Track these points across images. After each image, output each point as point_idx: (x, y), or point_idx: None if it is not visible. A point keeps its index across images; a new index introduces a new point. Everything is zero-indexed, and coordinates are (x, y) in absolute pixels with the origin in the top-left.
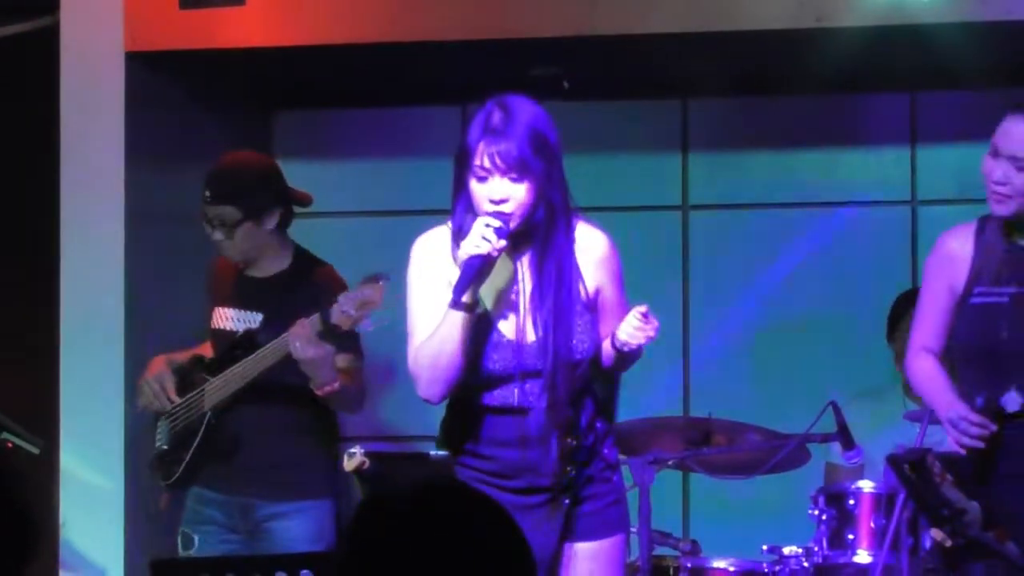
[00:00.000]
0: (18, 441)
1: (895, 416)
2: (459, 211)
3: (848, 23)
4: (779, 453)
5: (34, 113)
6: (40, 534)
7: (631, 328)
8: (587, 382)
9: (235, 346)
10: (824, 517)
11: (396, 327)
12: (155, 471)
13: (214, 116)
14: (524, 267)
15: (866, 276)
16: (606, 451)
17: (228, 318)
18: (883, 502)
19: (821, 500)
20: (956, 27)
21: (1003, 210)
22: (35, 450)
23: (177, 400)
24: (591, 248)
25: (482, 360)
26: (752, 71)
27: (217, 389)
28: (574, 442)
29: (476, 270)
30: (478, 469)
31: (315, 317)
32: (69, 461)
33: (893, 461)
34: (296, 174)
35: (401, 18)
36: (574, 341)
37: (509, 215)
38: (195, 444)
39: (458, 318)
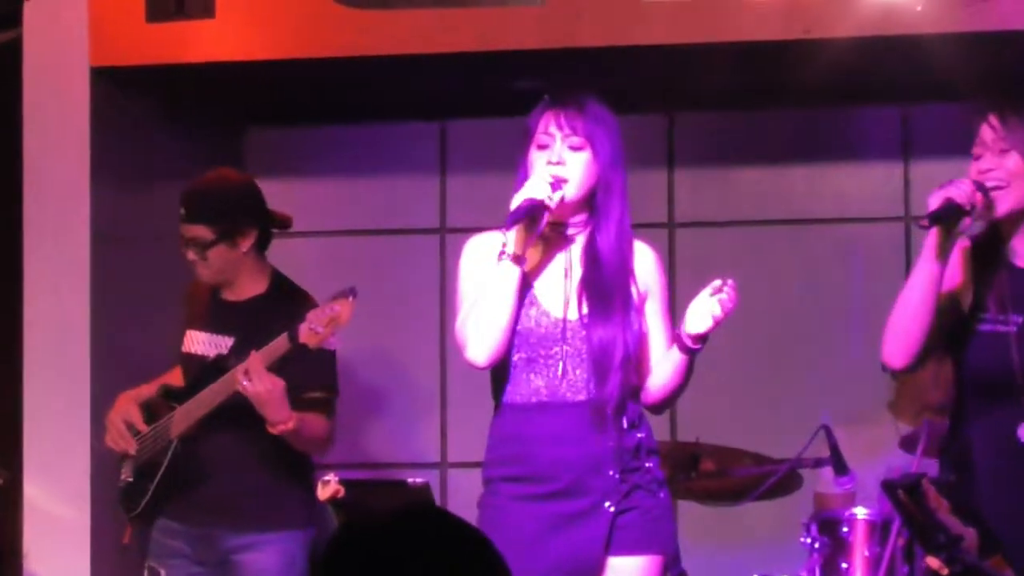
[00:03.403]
0: None
1: (889, 440)
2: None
3: (837, 34)
4: (770, 479)
5: None
6: (4, 564)
7: (702, 301)
8: (630, 385)
9: (205, 372)
10: (817, 545)
11: (372, 352)
12: (120, 504)
13: (183, 133)
14: (576, 250)
15: (858, 295)
16: (651, 464)
17: (199, 342)
18: (877, 529)
19: (813, 528)
20: (949, 38)
21: (1006, 204)
22: None
23: (145, 430)
24: (642, 256)
25: (527, 338)
26: (739, 84)
27: (184, 417)
28: (614, 443)
29: (525, 212)
30: (512, 479)
31: (272, 346)
32: (33, 491)
33: (888, 487)
34: (269, 192)
35: (377, 30)
36: (620, 330)
37: (563, 180)
38: (160, 474)
39: (506, 270)
